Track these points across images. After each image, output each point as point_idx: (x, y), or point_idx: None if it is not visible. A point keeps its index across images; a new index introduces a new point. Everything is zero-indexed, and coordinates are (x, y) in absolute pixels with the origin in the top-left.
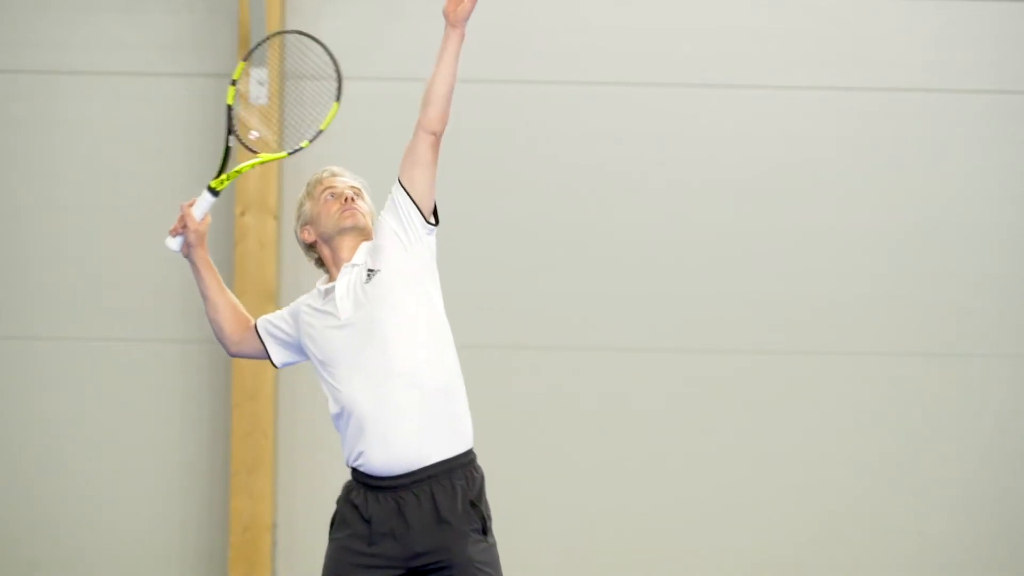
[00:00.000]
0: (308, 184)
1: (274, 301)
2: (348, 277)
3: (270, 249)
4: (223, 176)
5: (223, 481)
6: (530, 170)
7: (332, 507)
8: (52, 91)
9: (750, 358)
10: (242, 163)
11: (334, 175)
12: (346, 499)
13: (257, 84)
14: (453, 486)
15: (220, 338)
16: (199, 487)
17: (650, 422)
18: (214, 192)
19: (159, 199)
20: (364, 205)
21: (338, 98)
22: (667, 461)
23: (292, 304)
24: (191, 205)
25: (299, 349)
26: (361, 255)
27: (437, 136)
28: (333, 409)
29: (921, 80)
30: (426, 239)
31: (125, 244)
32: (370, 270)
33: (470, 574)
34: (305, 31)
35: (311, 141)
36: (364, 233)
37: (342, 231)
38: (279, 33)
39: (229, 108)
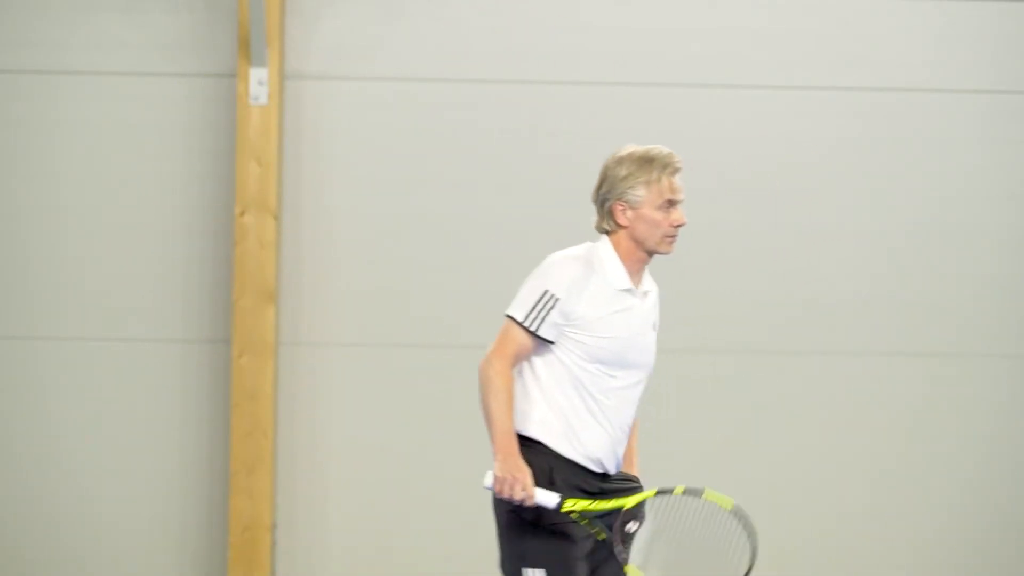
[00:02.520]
0: (647, 158)
1: (274, 301)
2: (643, 303)
3: (270, 249)
4: (579, 510)
5: (223, 481)
6: (530, 170)
7: (331, 507)
8: (52, 91)
9: (750, 358)
10: (598, 529)
11: (677, 180)
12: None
13: (257, 84)
14: None
15: None
16: (199, 487)
17: (649, 422)
18: (558, 508)
19: (159, 199)
20: None
21: None
22: (666, 461)
23: (560, 290)
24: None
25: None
26: (650, 283)
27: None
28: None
29: (921, 80)
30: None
31: (125, 244)
32: (655, 323)
33: None
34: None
35: None
36: None
37: (655, 252)
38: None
39: (654, 494)
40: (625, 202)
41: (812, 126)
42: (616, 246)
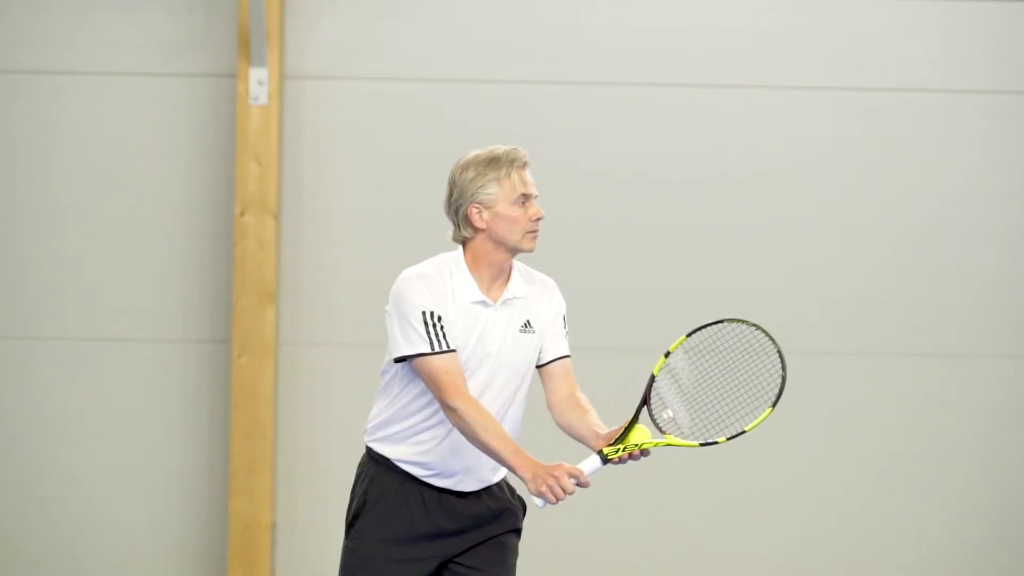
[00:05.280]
0: (492, 157)
1: (273, 301)
2: (501, 311)
3: (270, 249)
4: (620, 446)
5: (222, 481)
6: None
7: (331, 507)
8: (52, 91)
9: None
10: (646, 440)
11: (527, 175)
12: None
13: (257, 84)
14: None
15: None
16: (198, 487)
17: (649, 422)
18: (605, 459)
19: (159, 199)
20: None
21: (774, 404)
22: (666, 461)
23: (423, 297)
24: (575, 474)
25: None
26: (519, 288)
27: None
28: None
29: (921, 80)
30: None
31: (125, 244)
32: (528, 323)
33: None
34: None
35: (729, 439)
36: None
37: (518, 251)
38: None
39: (652, 378)
40: (479, 203)
41: (812, 126)
42: (472, 255)
